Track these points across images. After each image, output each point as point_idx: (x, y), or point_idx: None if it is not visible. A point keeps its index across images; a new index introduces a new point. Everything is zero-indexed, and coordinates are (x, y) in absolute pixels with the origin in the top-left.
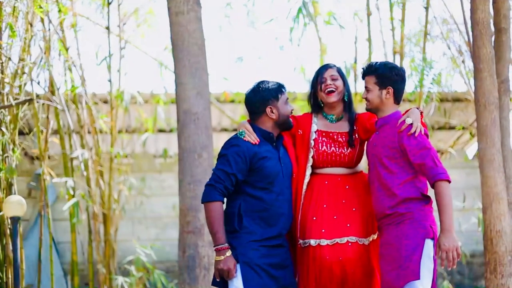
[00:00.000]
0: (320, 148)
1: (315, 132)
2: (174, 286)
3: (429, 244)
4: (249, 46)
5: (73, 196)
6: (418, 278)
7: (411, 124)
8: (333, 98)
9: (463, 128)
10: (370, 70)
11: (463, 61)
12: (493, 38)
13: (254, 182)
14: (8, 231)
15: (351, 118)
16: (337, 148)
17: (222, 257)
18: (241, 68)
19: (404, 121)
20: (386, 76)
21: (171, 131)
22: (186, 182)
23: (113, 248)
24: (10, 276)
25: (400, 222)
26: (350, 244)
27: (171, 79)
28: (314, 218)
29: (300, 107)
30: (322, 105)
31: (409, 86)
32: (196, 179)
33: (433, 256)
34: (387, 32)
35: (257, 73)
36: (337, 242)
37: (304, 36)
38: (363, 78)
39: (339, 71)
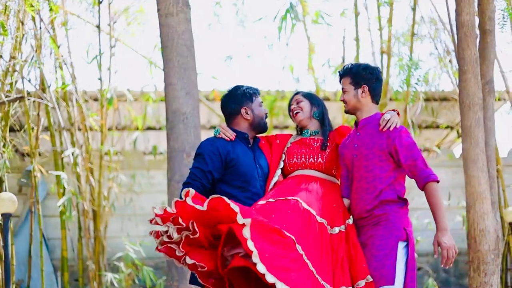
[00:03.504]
0: (292, 150)
1: (290, 143)
2: (162, 283)
3: (401, 246)
4: (238, 45)
5: (64, 193)
6: (393, 284)
7: (389, 120)
8: (299, 117)
9: (448, 127)
10: (345, 72)
11: (450, 61)
12: (478, 40)
13: (230, 180)
14: None
15: (325, 132)
16: (307, 150)
17: None
18: (230, 66)
19: (383, 119)
20: (360, 75)
21: (160, 128)
22: (175, 181)
23: (103, 245)
24: (0, 272)
25: (376, 223)
26: (293, 201)
27: (161, 77)
28: (270, 192)
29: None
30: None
31: (396, 85)
32: (184, 178)
33: (408, 258)
34: (375, 31)
35: (246, 72)
36: (280, 199)
37: (292, 35)
38: (340, 82)
39: (303, 94)
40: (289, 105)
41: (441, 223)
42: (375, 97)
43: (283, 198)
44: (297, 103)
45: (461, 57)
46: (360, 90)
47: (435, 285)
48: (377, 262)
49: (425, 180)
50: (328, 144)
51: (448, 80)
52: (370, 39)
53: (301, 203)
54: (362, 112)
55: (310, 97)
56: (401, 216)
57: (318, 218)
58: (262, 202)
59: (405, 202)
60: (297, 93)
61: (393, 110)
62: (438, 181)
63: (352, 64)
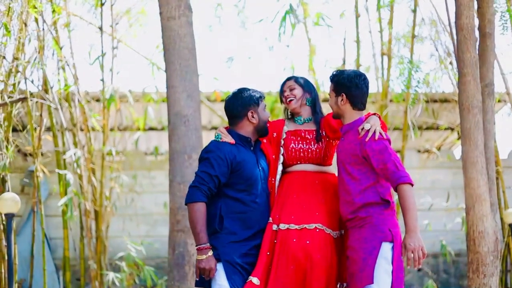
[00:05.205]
0: (289, 145)
1: (285, 133)
2: (163, 283)
3: (386, 247)
4: (239, 46)
5: (66, 193)
6: (372, 282)
7: (369, 130)
8: (292, 105)
9: (448, 128)
10: (330, 79)
11: (450, 63)
12: (477, 43)
13: (235, 184)
14: (2, 227)
15: (316, 119)
16: (304, 144)
17: (205, 256)
18: (232, 68)
19: (363, 128)
20: (340, 83)
21: (162, 129)
22: (176, 182)
23: (104, 244)
24: (3, 271)
25: (361, 226)
26: (317, 230)
27: (162, 78)
28: (285, 206)
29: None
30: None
31: (397, 87)
32: (186, 180)
33: (394, 259)
34: (376, 33)
35: (247, 73)
36: (305, 227)
37: (293, 37)
38: None
39: (296, 81)
40: (282, 90)
41: (410, 225)
42: (356, 104)
43: (308, 227)
44: (290, 90)
45: (460, 60)
46: (340, 98)
47: (434, 286)
48: (362, 264)
49: (396, 182)
50: (322, 134)
51: (448, 82)
52: (370, 40)
53: (323, 230)
54: (344, 119)
55: (303, 83)
56: (385, 218)
57: (334, 235)
58: (285, 225)
59: (388, 203)
60: (289, 78)
61: (374, 114)
62: (411, 184)
63: (337, 71)
